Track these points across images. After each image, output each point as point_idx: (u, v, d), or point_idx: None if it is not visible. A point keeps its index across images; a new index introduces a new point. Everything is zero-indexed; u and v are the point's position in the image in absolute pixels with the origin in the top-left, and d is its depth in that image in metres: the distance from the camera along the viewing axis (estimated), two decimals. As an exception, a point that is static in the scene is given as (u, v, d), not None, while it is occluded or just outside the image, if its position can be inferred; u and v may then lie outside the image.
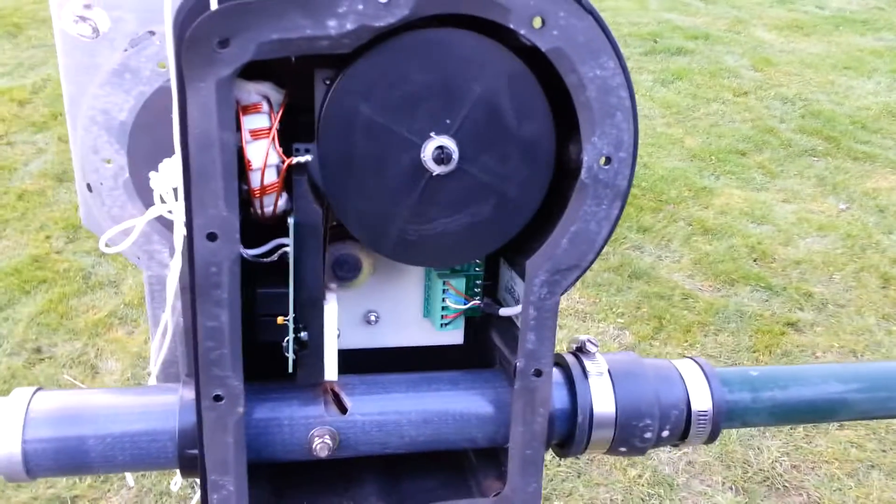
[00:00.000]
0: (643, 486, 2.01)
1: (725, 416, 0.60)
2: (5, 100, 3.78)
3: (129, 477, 0.74)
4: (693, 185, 3.35)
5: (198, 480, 0.51)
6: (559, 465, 2.06)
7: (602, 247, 0.51)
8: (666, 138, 3.73)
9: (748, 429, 2.19)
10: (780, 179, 3.46)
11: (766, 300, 2.70)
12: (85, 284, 2.63)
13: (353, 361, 0.60)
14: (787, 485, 2.03)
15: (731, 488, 2.01)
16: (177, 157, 0.48)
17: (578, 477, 2.04)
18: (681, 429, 0.59)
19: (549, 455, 2.21)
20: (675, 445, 0.61)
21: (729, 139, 3.76)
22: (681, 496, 2.00)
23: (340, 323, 0.60)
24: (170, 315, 0.64)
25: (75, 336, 2.41)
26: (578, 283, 2.81)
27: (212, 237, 0.45)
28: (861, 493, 2.01)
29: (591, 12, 0.46)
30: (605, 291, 2.70)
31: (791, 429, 2.20)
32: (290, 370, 0.52)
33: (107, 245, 0.59)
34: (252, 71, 0.47)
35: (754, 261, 2.91)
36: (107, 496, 1.93)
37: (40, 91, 3.90)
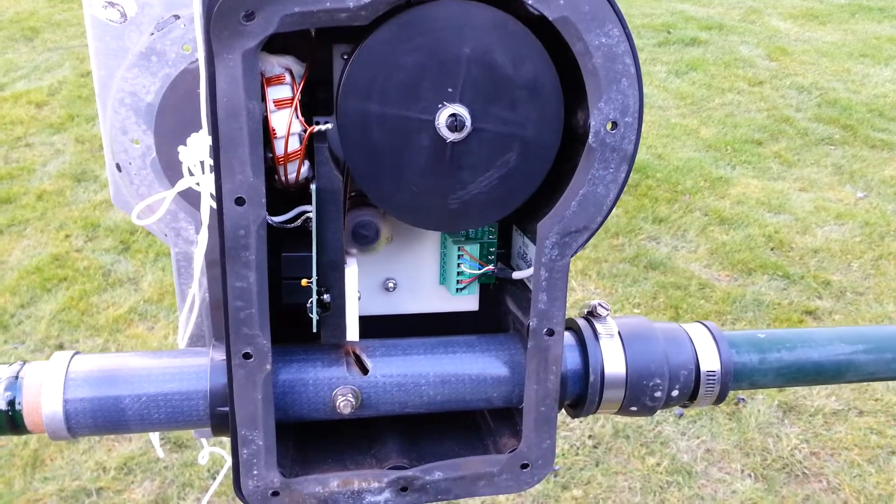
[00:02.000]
0: (661, 473, 2.02)
1: (733, 377, 0.62)
2: (23, 102, 3.86)
3: (158, 447, 0.77)
4: (709, 176, 3.35)
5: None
6: (577, 454, 2.07)
7: (610, 209, 0.53)
8: (681, 129, 3.73)
9: (767, 417, 2.19)
10: (797, 168, 3.45)
11: (784, 289, 2.69)
12: (105, 282, 2.68)
13: (373, 327, 0.63)
14: (806, 472, 2.03)
15: (749, 475, 2.01)
16: (205, 129, 0.51)
17: (596, 465, 2.05)
18: (690, 389, 0.61)
19: (567, 444, 2.20)
20: (685, 406, 0.63)
21: (744, 129, 3.75)
22: (699, 483, 2.01)
23: (361, 290, 0.62)
24: (196, 289, 0.67)
25: (96, 332, 2.46)
26: (594, 274, 2.82)
27: (240, 202, 0.48)
28: (881, 479, 2.01)
29: (596, -18, 0.48)
30: (622, 282, 2.71)
31: (810, 416, 2.20)
32: (315, 330, 0.55)
33: (138, 218, 0.62)
34: (275, 45, 0.49)
35: (771, 250, 2.91)
36: (130, 488, 1.97)
37: (57, 93, 3.97)
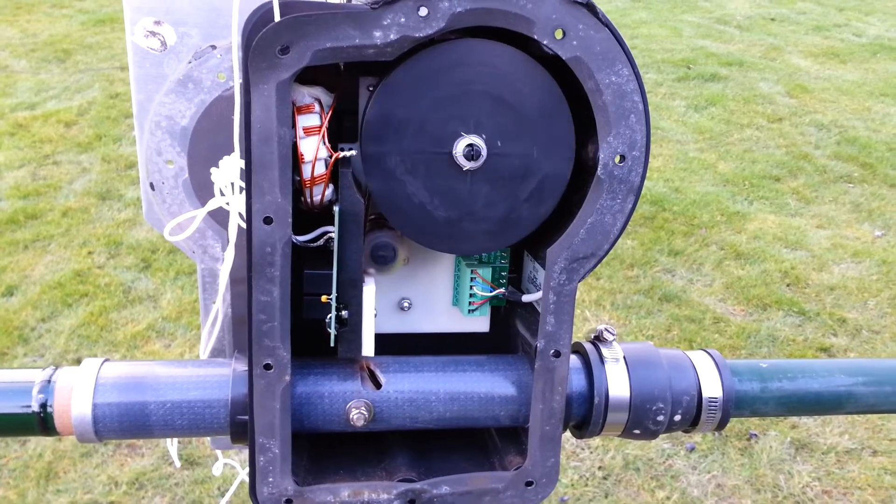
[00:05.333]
0: (671, 507, 2.01)
1: (735, 404, 0.63)
2: (53, 121, 3.96)
3: (175, 457, 0.80)
4: (726, 210, 3.36)
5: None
6: (586, 485, 2.07)
7: (617, 238, 0.56)
8: (698, 163, 3.75)
9: (779, 453, 2.18)
10: (815, 205, 3.45)
11: (799, 325, 2.69)
12: (125, 298, 2.72)
13: (387, 345, 0.65)
14: (817, 510, 2.01)
15: (760, 511, 2.00)
16: (237, 152, 0.55)
17: (606, 497, 2.05)
18: (692, 414, 0.63)
19: (577, 474, 2.20)
20: (687, 431, 0.65)
21: (763, 165, 3.77)
22: (709, 519, 2.00)
23: (377, 308, 0.65)
24: (220, 304, 0.70)
25: (114, 348, 2.49)
26: (608, 305, 2.83)
27: (268, 221, 0.51)
28: (895, 521, 1.98)
29: (608, 25, 0.51)
30: (636, 313, 2.72)
31: (823, 453, 2.18)
32: (332, 345, 0.58)
33: (169, 234, 0.65)
34: (306, 77, 0.53)
35: (787, 286, 2.90)
36: (141, 503, 1.99)
37: (86, 113, 4.08)
